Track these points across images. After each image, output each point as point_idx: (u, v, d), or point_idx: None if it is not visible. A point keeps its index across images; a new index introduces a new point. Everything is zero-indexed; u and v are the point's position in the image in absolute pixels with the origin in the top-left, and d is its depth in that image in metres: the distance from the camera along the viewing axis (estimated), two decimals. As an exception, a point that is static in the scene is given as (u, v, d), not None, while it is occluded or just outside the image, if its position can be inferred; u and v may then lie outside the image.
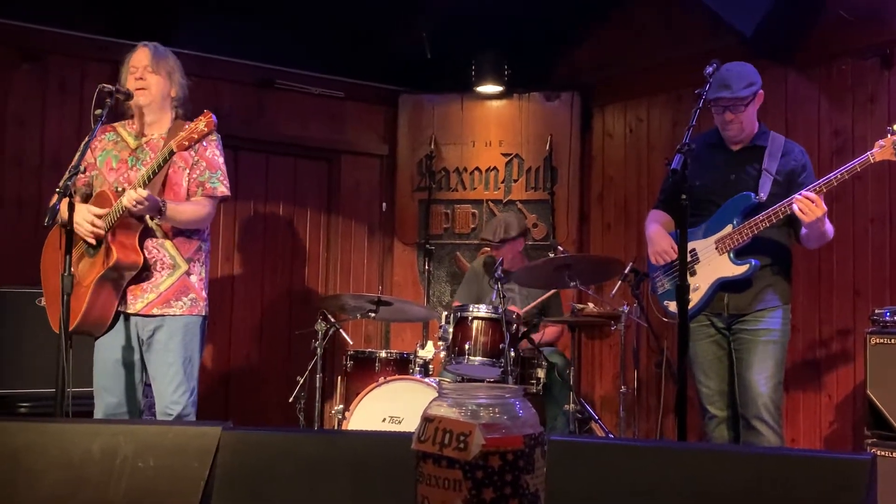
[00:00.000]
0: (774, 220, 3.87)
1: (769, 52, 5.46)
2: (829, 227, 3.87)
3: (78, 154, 3.94)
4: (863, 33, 5.19)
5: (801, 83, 5.54)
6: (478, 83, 6.94)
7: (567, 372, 5.36)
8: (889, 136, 3.71)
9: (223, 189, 3.99)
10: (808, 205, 3.73)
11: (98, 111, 3.69)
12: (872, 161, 3.73)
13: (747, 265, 3.94)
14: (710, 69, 3.58)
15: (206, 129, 3.57)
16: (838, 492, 1.85)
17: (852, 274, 5.23)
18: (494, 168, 7.01)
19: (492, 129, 7.05)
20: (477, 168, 7.03)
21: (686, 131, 3.36)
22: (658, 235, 4.19)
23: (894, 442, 4.08)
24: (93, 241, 3.72)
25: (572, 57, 7.10)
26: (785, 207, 3.81)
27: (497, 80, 6.90)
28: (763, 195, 3.96)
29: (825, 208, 3.75)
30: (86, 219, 3.67)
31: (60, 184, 3.86)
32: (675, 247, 4.00)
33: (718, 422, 4.10)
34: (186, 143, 3.58)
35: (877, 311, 4.35)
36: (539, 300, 5.57)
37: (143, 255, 3.79)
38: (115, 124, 4.03)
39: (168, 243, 3.88)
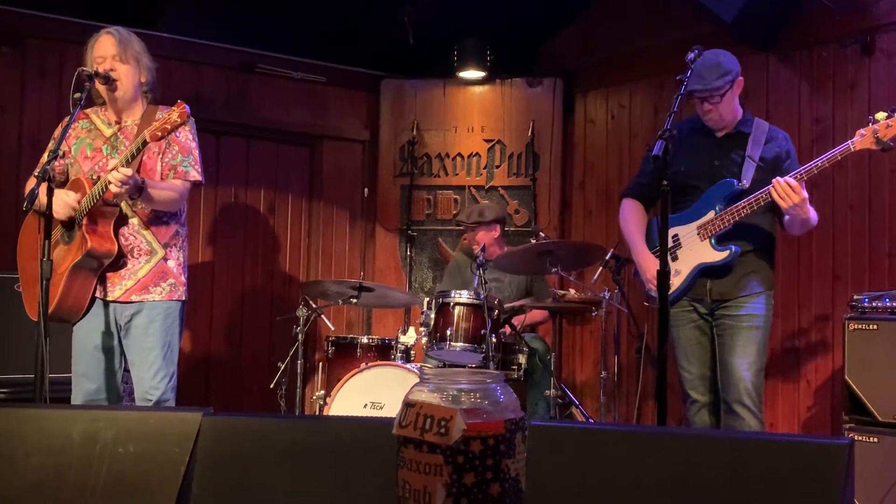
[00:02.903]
0: (756, 207, 3.88)
1: (750, 39, 5.48)
2: (812, 214, 3.87)
3: (55, 139, 3.91)
4: (843, 20, 5.21)
5: (782, 70, 5.56)
6: (460, 69, 6.93)
7: (548, 357, 5.38)
8: (870, 124, 3.71)
9: (195, 174, 3.95)
10: (785, 190, 3.74)
11: (77, 95, 3.65)
12: (853, 150, 3.73)
13: (727, 251, 3.96)
14: (691, 55, 3.58)
15: (178, 120, 3.53)
16: (817, 476, 1.86)
17: (831, 260, 5.26)
18: (477, 154, 7.01)
19: (474, 114, 7.04)
20: (459, 154, 7.03)
21: (668, 117, 3.36)
22: (645, 260, 4.16)
23: (872, 427, 4.11)
24: (70, 216, 3.69)
25: (555, 43, 7.10)
26: (766, 194, 3.82)
27: (479, 66, 6.89)
28: (746, 182, 3.97)
29: (805, 195, 3.76)
30: (65, 201, 3.65)
31: (38, 169, 3.84)
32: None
33: (700, 406, 4.12)
34: (160, 134, 3.55)
35: (855, 297, 4.37)
36: (519, 303, 5.55)
37: (119, 242, 3.77)
38: (88, 111, 3.96)
39: (144, 229, 3.86)
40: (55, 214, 3.61)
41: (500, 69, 6.94)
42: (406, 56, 6.89)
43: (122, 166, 3.58)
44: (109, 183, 3.55)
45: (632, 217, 4.36)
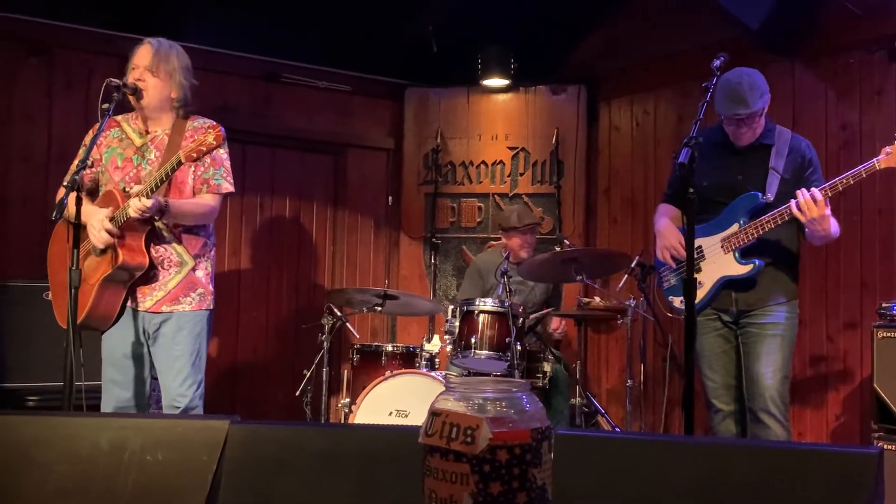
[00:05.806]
0: (780, 222, 3.86)
1: (775, 46, 5.45)
2: (833, 229, 3.86)
3: (84, 148, 3.94)
4: (869, 26, 5.18)
5: (808, 76, 5.53)
6: (484, 77, 6.93)
7: (567, 386, 5.36)
8: None
9: (227, 186, 3.99)
10: (808, 203, 3.73)
11: (105, 105, 3.67)
12: (878, 168, 3.72)
13: (752, 265, 3.94)
14: (717, 62, 3.57)
15: (214, 143, 3.56)
16: (845, 486, 1.85)
17: (859, 267, 5.22)
18: (501, 162, 7.01)
19: (498, 122, 7.04)
20: (483, 162, 7.03)
21: (693, 125, 3.36)
22: (667, 230, 4.19)
23: (901, 436, 4.08)
24: (102, 246, 3.71)
25: (578, 50, 7.09)
26: (790, 210, 3.81)
27: (503, 74, 6.89)
28: (770, 195, 3.95)
29: (827, 212, 3.74)
30: (97, 228, 3.66)
31: (67, 178, 3.87)
32: (684, 242, 4.00)
33: (724, 416, 4.10)
34: (195, 156, 3.57)
35: (884, 305, 4.34)
36: (540, 314, 5.52)
37: (150, 255, 3.80)
38: (119, 118, 3.98)
39: (175, 241, 3.88)
40: (91, 237, 3.66)
41: (523, 77, 6.93)
42: (430, 64, 6.90)
43: (154, 187, 3.61)
44: (129, 207, 3.59)
45: (662, 210, 4.38)
